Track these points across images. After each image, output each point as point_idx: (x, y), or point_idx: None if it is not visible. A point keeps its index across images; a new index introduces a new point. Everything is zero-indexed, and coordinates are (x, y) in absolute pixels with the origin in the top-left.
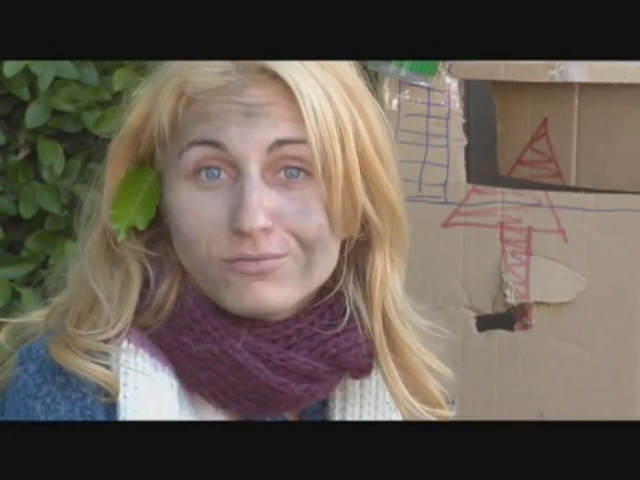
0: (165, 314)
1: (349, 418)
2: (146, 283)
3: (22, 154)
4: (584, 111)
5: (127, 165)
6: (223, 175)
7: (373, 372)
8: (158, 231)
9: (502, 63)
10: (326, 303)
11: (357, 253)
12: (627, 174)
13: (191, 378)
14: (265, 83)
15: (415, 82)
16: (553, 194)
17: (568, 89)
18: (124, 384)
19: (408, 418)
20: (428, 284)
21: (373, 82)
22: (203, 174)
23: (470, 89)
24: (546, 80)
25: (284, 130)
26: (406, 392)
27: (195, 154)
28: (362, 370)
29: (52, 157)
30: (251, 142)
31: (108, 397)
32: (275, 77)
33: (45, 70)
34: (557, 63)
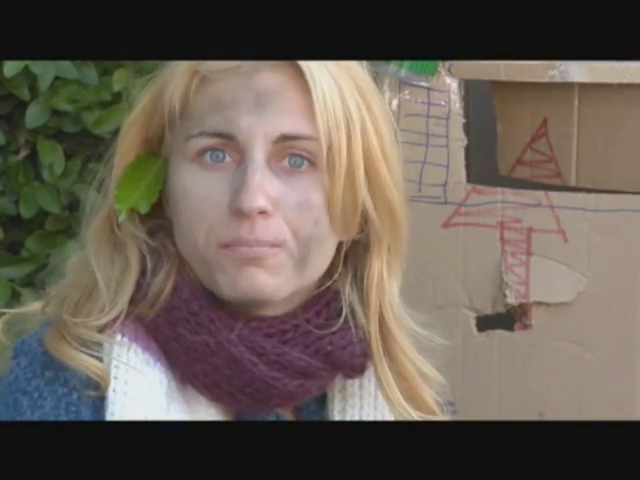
0: (161, 304)
1: (349, 419)
2: (143, 272)
3: (22, 154)
4: (584, 111)
5: (137, 150)
6: (227, 159)
7: (370, 373)
8: (159, 222)
9: (502, 63)
10: (323, 301)
11: (355, 256)
12: (627, 174)
13: (185, 370)
14: (278, 68)
15: (415, 82)
16: (553, 194)
17: (568, 89)
18: (115, 377)
19: None
20: (428, 284)
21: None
22: (207, 156)
23: (470, 89)
24: (546, 80)
25: (292, 125)
26: (401, 398)
27: (204, 142)
28: (356, 369)
29: (52, 157)
30: (259, 132)
31: (98, 390)
32: (290, 65)
33: (45, 70)
34: (557, 63)
